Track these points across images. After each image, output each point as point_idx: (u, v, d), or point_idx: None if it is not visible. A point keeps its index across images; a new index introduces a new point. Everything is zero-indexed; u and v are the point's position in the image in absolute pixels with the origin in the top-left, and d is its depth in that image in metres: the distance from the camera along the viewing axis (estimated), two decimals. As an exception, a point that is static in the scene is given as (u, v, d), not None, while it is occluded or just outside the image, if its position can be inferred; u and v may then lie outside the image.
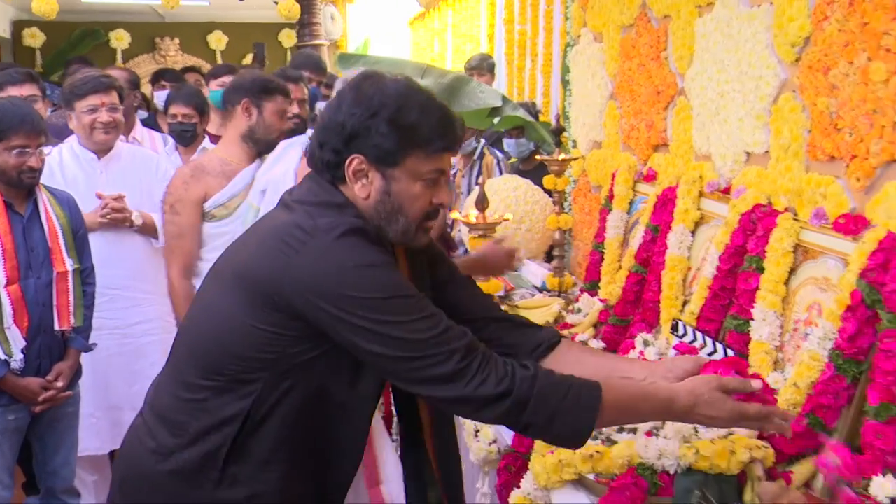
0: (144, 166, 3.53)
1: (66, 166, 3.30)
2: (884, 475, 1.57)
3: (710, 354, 2.11)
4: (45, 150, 2.74)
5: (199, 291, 1.73)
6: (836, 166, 1.95)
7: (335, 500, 1.75)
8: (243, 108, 3.05)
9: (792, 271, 2.03)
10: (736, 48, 2.33)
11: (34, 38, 10.13)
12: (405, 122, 1.50)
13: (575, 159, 3.40)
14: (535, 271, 3.51)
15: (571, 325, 2.88)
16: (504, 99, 3.86)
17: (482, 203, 3.19)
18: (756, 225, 2.14)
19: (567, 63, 3.71)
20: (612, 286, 2.87)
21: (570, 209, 3.73)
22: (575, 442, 1.50)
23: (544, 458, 1.84)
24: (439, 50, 9.06)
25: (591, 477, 1.78)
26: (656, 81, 2.84)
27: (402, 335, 1.46)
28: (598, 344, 2.69)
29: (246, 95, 3.05)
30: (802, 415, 1.77)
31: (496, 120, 3.93)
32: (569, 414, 1.45)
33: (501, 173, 4.26)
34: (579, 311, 2.93)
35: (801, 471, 1.77)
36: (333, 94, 2.39)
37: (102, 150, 3.36)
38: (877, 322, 1.67)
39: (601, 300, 2.91)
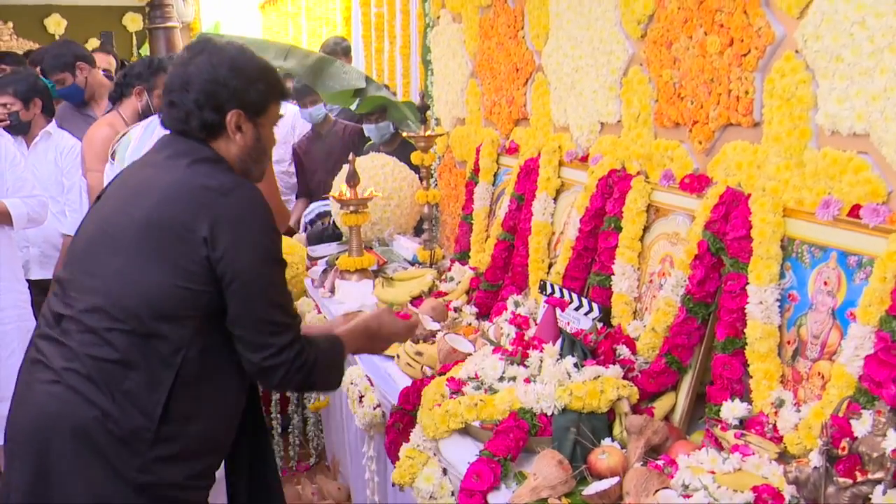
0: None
1: None
2: (732, 400, 1.78)
3: (576, 309, 2.29)
4: None
5: (84, 253, 1.84)
6: (681, 132, 2.16)
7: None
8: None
9: (646, 229, 2.23)
10: (588, 26, 2.51)
11: None
12: (270, 79, 1.90)
13: (440, 135, 3.52)
14: (405, 245, 3.62)
15: (445, 293, 3.01)
16: (367, 80, 3.96)
17: (353, 179, 3.27)
18: (612, 188, 2.33)
19: (427, 44, 3.83)
20: (482, 254, 3.02)
21: (437, 184, 3.86)
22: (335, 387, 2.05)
23: (432, 411, 1.96)
24: (294, 34, 8.97)
25: (477, 424, 1.91)
26: (515, 59, 3.00)
27: (268, 297, 1.78)
28: (471, 309, 2.83)
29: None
30: (661, 355, 1.97)
31: (357, 101, 4.02)
32: (336, 367, 1.97)
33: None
34: (452, 279, 3.06)
35: (661, 405, 1.97)
36: None
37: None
38: (721, 267, 1.88)
39: (472, 268, 3.06)
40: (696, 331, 1.93)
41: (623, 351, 2.03)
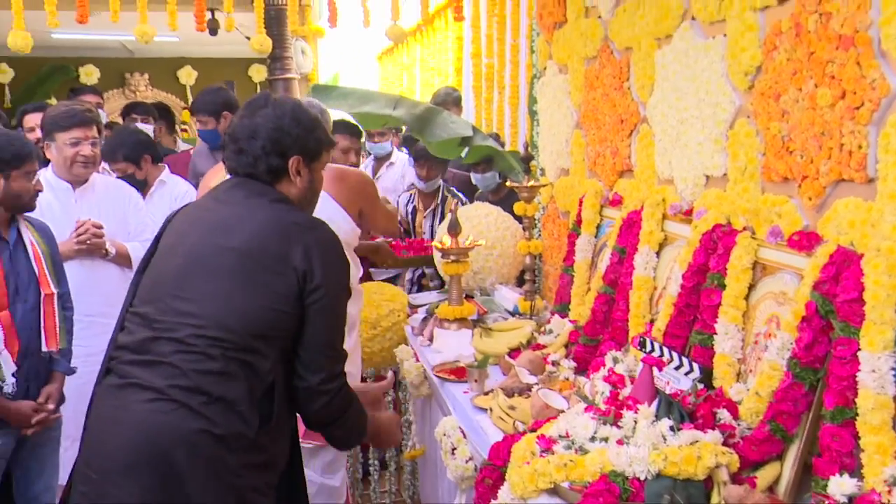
0: (118, 196, 3.60)
1: (43, 194, 3.35)
2: (840, 475, 1.66)
3: (676, 368, 2.21)
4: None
5: (175, 281, 1.99)
6: (790, 187, 2.07)
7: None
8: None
9: (751, 287, 2.13)
10: (693, 77, 2.46)
11: (2, 74, 10.13)
12: (324, 129, 2.16)
13: (544, 186, 3.50)
14: (506, 295, 3.60)
15: (543, 346, 2.96)
16: (474, 129, 3.99)
17: (455, 229, 3.29)
18: (717, 244, 2.25)
19: (534, 94, 3.83)
20: (582, 307, 2.96)
21: (540, 235, 3.83)
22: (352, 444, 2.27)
23: (521, 468, 1.91)
24: (408, 84, 9.19)
25: (566, 485, 1.85)
26: (620, 110, 2.97)
27: (336, 324, 2.01)
28: (569, 364, 2.78)
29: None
30: (764, 422, 1.87)
31: (465, 150, 4.05)
32: (360, 425, 2.15)
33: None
34: (551, 332, 3.01)
35: (764, 475, 1.86)
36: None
37: (78, 182, 3.41)
38: (830, 331, 1.77)
39: (571, 321, 3.00)
40: (803, 397, 1.81)
41: (724, 415, 1.93)
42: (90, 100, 4.39)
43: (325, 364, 1.98)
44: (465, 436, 2.54)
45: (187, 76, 10.43)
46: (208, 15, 5.48)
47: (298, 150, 2.07)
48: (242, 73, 10.56)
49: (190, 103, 9.43)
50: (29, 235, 2.79)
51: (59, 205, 3.38)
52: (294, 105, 2.12)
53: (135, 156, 4.00)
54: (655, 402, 1.95)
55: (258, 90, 10.52)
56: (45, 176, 3.36)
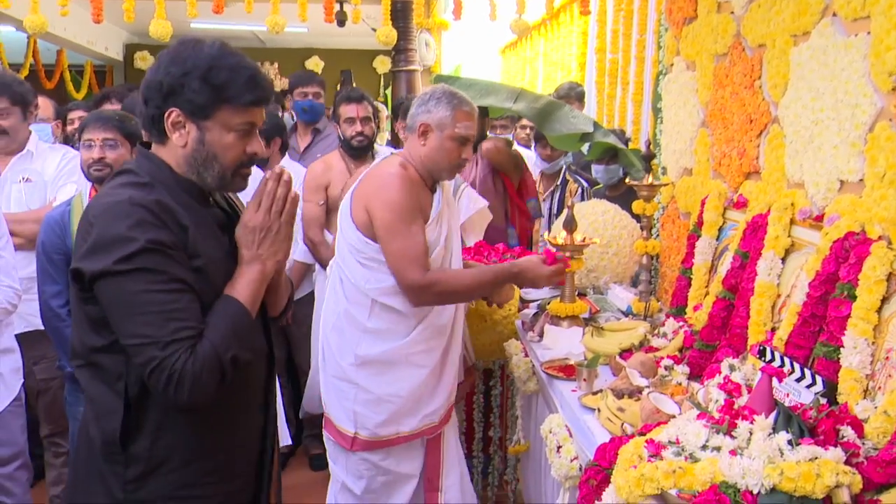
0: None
1: None
2: (976, 505, 1.55)
3: (797, 380, 2.11)
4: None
5: None
6: (933, 195, 1.94)
7: (243, 468, 1.91)
8: None
9: (885, 300, 2.02)
10: (832, 77, 2.34)
11: (144, 62, 10.69)
12: (216, 81, 1.71)
13: (665, 185, 3.42)
14: (620, 295, 3.54)
15: (656, 349, 2.89)
16: (595, 125, 3.94)
17: (570, 225, 3.25)
18: (849, 253, 2.13)
19: (659, 91, 3.74)
20: (699, 311, 2.87)
21: (658, 235, 3.74)
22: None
23: (627, 472, 1.87)
24: (530, 77, 9.16)
25: (674, 493, 1.80)
26: (749, 109, 2.85)
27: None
28: (683, 369, 2.70)
29: None
30: (892, 443, 1.76)
31: (587, 146, 4.00)
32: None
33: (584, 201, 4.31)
34: (664, 335, 2.94)
35: (890, 499, 1.76)
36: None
37: None
38: (972, 351, 1.65)
39: (687, 325, 2.92)
40: (937, 420, 1.70)
41: (848, 433, 1.83)
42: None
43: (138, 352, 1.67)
44: (570, 434, 2.51)
45: (315, 66, 10.72)
46: (336, 6, 5.61)
47: (173, 101, 1.72)
48: (367, 63, 10.77)
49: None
50: None
51: None
52: (187, 46, 1.74)
53: (268, 134, 4.14)
54: (774, 414, 1.87)
55: (381, 82, 10.69)
56: None
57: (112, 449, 1.75)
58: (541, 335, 3.25)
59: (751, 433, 1.83)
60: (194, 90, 1.71)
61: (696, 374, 2.65)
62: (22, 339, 3.31)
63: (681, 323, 2.96)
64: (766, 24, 2.73)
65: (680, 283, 3.14)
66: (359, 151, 3.92)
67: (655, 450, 1.91)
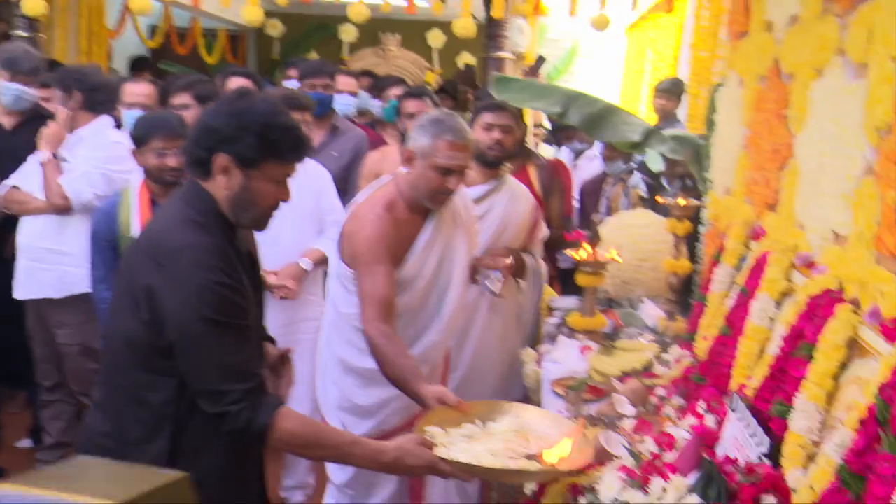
0: (317, 180, 3.70)
1: None
2: None
3: (751, 436, 2.06)
4: None
5: None
6: (898, 265, 1.83)
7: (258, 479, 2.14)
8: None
9: (844, 366, 1.93)
10: (836, 120, 2.21)
11: (275, 29, 11.10)
12: (269, 138, 1.94)
13: (697, 207, 3.32)
14: (650, 312, 3.48)
15: (657, 376, 2.85)
16: (649, 134, 3.84)
17: (594, 240, 3.23)
18: (818, 310, 2.04)
19: (714, 102, 3.61)
20: (705, 343, 2.80)
21: (702, 252, 3.63)
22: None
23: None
24: (654, 58, 8.86)
25: (579, 540, 1.82)
26: (776, 139, 2.73)
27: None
28: (678, 401, 2.65)
29: None
30: (805, 521, 1.71)
31: (640, 155, 3.92)
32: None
33: (644, 203, 4.22)
34: (667, 362, 2.89)
35: (799, 577, 1.71)
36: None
37: None
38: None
39: (692, 355, 2.86)
40: (848, 506, 1.64)
41: (769, 502, 1.79)
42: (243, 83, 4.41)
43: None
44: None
45: (435, 39, 10.81)
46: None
47: (227, 149, 1.93)
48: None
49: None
50: None
51: None
52: (247, 102, 1.97)
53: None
54: (694, 475, 1.84)
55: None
56: None
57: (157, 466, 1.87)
58: (556, 347, 3.25)
59: (664, 491, 1.82)
60: (249, 144, 1.93)
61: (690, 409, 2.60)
62: (43, 305, 3.63)
63: (686, 352, 2.89)
64: (798, 52, 2.60)
65: (697, 309, 3.06)
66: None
67: (574, 494, 1.93)
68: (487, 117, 3.42)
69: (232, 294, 1.91)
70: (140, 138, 3.10)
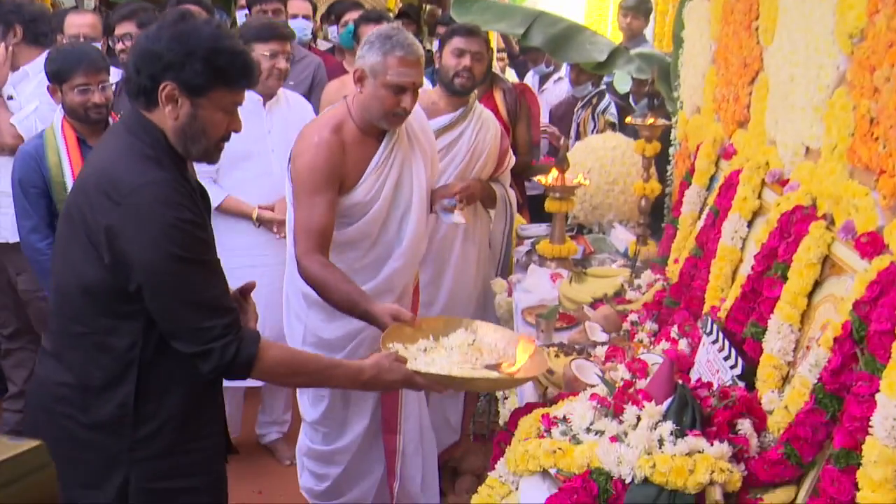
0: (303, 111, 3.58)
1: None
2: (834, 524, 1.48)
3: (725, 359, 2.02)
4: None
5: None
6: (872, 177, 1.77)
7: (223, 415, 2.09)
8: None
9: (818, 284, 1.88)
10: (807, 28, 2.12)
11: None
12: (216, 64, 1.80)
13: (665, 126, 3.24)
14: (621, 236, 3.43)
15: (629, 301, 2.81)
16: (615, 53, 3.73)
17: (562, 164, 3.14)
18: (791, 229, 1.99)
19: (682, 18, 3.49)
20: (676, 266, 2.76)
21: (672, 173, 3.57)
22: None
23: (517, 444, 1.87)
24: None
25: (553, 472, 1.78)
26: (745, 52, 2.64)
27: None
28: (652, 326, 2.62)
29: None
30: (780, 442, 1.68)
31: (607, 76, 3.81)
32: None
33: (614, 128, 4.12)
34: (639, 287, 2.85)
35: (774, 499, 1.69)
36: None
37: (268, 95, 3.43)
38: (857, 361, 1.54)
39: (665, 278, 2.81)
40: (824, 426, 1.60)
41: (744, 426, 1.75)
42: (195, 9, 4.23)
43: None
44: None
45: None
46: None
47: (172, 76, 1.79)
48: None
49: None
50: None
51: (248, 116, 3.40)
52: (189, 24, 1.82)
53: None
54: (668, 401, 1.80)
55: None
56: None
57: (123, 412, 1.86)
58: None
59: (638, 419, 1.78)
60: (196, 70, 1.79)
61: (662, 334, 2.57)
62: (0, 250, 3.50)
63: (658, 276, 2.85)
64: (767, -41, 2.49)
65: (668, 231, 3.02)
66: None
67: (548, 425, 1.89)
68: (458, 42, 3.18)
69: (197, 230, 1.83)
70: (59, 74, 2.90)
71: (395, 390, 2.29)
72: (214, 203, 3.26)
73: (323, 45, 5.60)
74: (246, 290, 2.07)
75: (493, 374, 2.08)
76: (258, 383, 3.15)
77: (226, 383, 2.03)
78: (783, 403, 1.76)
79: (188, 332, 1.81)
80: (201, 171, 3.07)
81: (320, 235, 2.46)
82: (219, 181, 3.36)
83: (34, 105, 3.35)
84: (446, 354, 2.16)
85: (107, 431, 1.87)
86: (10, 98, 3.46)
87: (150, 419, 1.87)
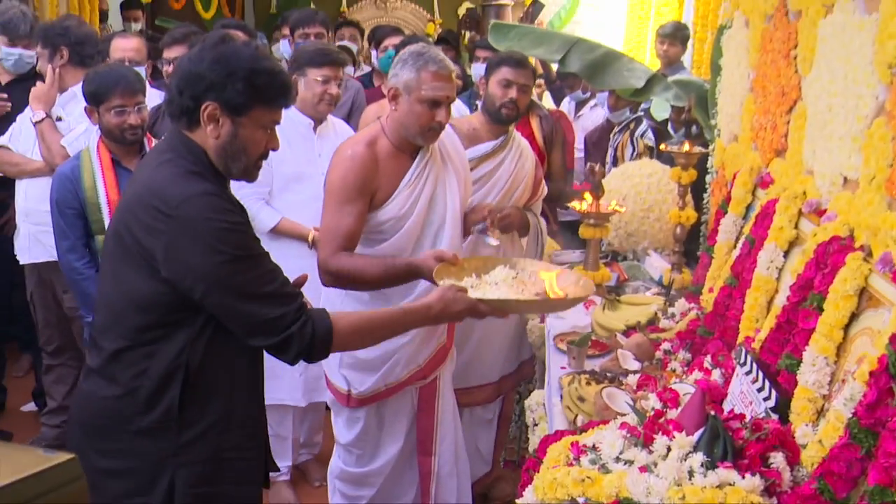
0: (346, 137, 3.61)
1: (282, 129, 3.54)
2: (868, 563, 1.44)
3: (759, 390, 1.99)
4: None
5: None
6: (911, 209, 1.74)
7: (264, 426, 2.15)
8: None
9: (854, 316, 1.85)
10: (846, 58, 2.10)
11: (275, -19, 10.85)
12: (256, 83, 1.87)
13: (701, 153, 3.22)
14: (656, 264, 3.41)
15: (662, 330, 2.78)
16: (653, 80, 3.73)
17: (598, 190, 3.14)
18: (827, 259, 1.96)
19: (720, 45, 3.48)
20: (711, 295, 2.73)
21: (708, 201, 3.54)
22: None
23: (546, 472, 1.85)
24: (657, 4, 8.64)
25: (582, 501, 1.77)
26: (783, 81, 2.62)
27: None
28: (685, 355, 2.59)
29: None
30: (814, 477, 1.65)
31: (644, 102, 3.80)
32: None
33: (652, 152, 4.11)
34: (673, 315, 2.82)
35: (807, 535, 1.66)
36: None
37: (319, 119, 3.46)
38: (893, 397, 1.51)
39: (699, 307, 2.79)
40: (858, 462, 1.57)
41: (777, 459, 1.72)
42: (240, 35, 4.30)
43: None
44: (546, 412, 2.49)
45: (436, -11, 10.59)
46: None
47: (214, 96, 1.86)
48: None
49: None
50: None
51: (301, 139, 3.40)
52: (230, 47, 1.89)
53: None
54: (699, 432, 1.78)
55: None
56: (286, 112, 3.53)
57: (168, 416, 1.91)
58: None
59: (668, 449, 1.76)
60: (237, 90, 1.86)
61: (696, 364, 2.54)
62: (47, 268, 3.55)
63: (693, 305, 2.82)
64: (806, -12, 2.48)
65: (703, 260, 2.99)
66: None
67: (577, 453, 1.88)
68: (506, 73, 3.16)
69: (248, 229, 1.94)
70: (96, 95, 2.96)
71: (461, 320, 2.33)
72: (270, 224, 3.33)
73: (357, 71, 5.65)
74: (298, 284, 2.11)
75: (550, 295, 2.23)
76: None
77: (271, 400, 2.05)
78: (817, 437, 1.72)
79: (263, 326, 1.87)
80: (254, 192, 3.17)
81: (346, 239, 2.51)
82: (271, 203, 3.40)
83: (84, 126, 3.43)
84: (494, 288, 2.27)
85: (152, 437, 1.92)
86: (59, 119, 3.54)
87: (195, 423, 1.93)
